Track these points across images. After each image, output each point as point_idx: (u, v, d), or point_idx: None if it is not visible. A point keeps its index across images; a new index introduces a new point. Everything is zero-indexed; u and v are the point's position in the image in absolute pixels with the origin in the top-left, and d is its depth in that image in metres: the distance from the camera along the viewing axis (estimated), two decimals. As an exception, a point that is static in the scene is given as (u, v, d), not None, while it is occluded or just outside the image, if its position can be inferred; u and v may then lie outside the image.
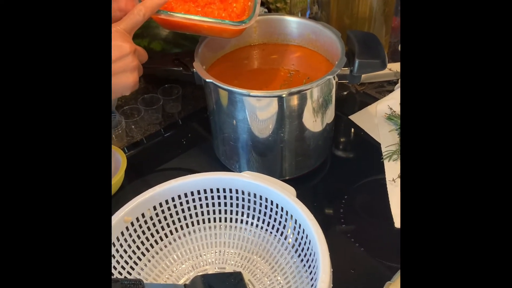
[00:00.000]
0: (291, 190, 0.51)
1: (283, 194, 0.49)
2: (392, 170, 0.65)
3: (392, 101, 0.75)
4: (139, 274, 0.50)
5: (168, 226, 0.53)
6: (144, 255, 0.52)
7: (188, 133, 0.75)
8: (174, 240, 0.54)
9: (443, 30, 0.32)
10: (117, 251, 0.48)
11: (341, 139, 0.73)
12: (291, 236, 0.51)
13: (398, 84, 0.79)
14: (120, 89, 0.51)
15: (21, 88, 0.31)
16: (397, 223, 0.59)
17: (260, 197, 0.52)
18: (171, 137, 0.74)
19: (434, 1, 0.33)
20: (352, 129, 0.74)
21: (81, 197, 0.31)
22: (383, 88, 0.81)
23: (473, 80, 0.31)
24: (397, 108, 0.74)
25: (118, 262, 0.48)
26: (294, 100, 0.56)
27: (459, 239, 0.31)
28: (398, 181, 0.63)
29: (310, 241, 0.46)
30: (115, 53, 0.48)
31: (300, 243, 0.49)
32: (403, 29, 0.33)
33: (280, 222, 0.52)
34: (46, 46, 0.32)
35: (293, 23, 0.67)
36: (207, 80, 0.56)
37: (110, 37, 0.43)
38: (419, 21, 0.33)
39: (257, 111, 0.57)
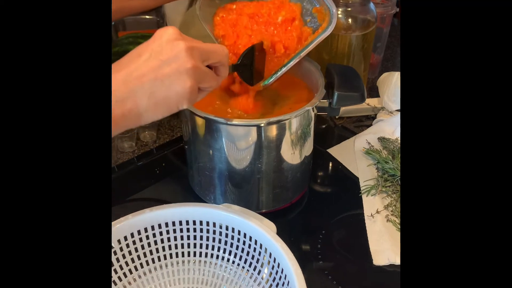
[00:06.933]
0: (271, 226, 0.48)
1: (261, 229, 0.47)
2: (370, 205, 0.64)
3: (370, 136, 0.75)
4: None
5: (134, 260, 0.50)
6: (107, 291, 0.48)
7: (163, 163, 0.72)
8: (139, 276, 0.50)
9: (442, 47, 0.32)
10: None
11: (320, 173, 0.72)
12: (269, 274, 0.48)
13: (376, 119, 0.79)
14: (175, 98, 0.40)
15: (22, 94, 0.30)
16: (375, 261, 0.57)
17: (239, 232, 0.49)
18: (144, 166, 0.72)
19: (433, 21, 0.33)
20: (330, 163, 0.73)
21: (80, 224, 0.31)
22: (361, 123, 0.81)
23: (472, 97, 0.31)
24: (375, 143, 0.73)
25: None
26: (273, 130, 0.55)
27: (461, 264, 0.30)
28: (377, 216, 0.62)
29: (288, 282, 0.44)
30: (165, 52, 0.39)
31: (278, 284, 0.47)
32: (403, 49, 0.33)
33: (258, 260, 0.49)
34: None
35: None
36: (183, 107, 0.55)
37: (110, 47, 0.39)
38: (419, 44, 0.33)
39: (235, 140, 0.55)
